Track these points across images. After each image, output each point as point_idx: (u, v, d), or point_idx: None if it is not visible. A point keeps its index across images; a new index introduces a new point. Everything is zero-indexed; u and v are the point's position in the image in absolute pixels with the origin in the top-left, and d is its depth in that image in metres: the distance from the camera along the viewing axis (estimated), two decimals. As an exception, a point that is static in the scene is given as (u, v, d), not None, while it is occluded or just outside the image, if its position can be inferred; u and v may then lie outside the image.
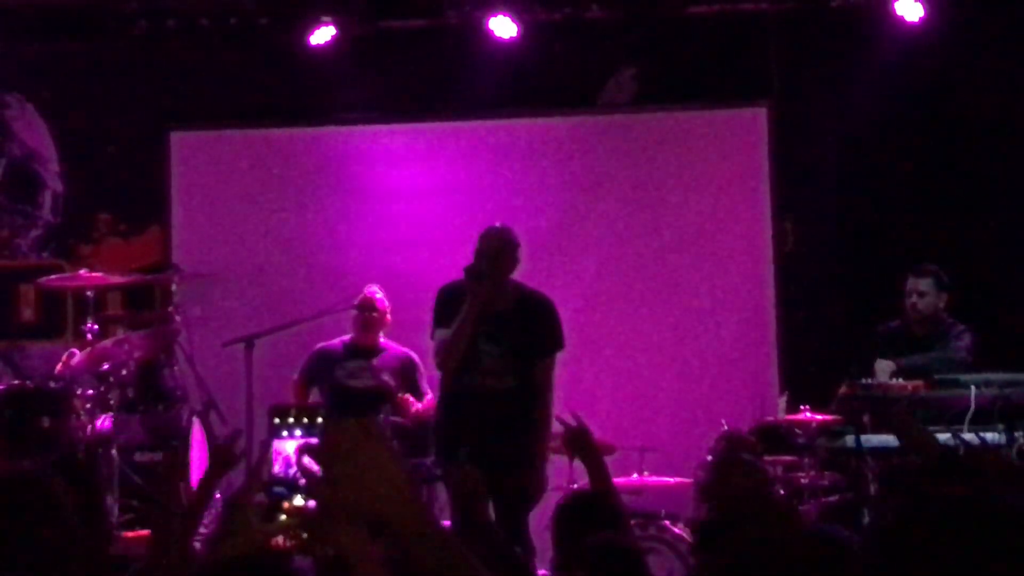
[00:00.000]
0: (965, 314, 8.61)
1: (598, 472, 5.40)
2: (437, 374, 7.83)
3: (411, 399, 8.54)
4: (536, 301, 7.58)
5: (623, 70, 10.45)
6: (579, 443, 5.45)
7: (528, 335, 7.43)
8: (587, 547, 4.38)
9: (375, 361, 8.69)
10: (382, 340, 8.80)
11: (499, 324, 7.38)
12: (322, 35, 10.17)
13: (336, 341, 8.82)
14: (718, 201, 10.20)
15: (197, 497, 4.61)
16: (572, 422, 5.57)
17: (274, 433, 2.16)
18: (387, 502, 2.08)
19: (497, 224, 7.61)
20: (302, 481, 2.17)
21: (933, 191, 10.01)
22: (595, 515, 4.88)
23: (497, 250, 7.36)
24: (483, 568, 2.11)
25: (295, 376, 8.80)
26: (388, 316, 8.77)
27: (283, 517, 2.21)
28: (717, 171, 10.22)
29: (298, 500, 2.19)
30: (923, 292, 8.48)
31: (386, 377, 8.62)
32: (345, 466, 2.08)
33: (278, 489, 2.20)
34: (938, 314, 8.50)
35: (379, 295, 8.76)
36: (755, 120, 10.28)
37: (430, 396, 8.51)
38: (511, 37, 10.08)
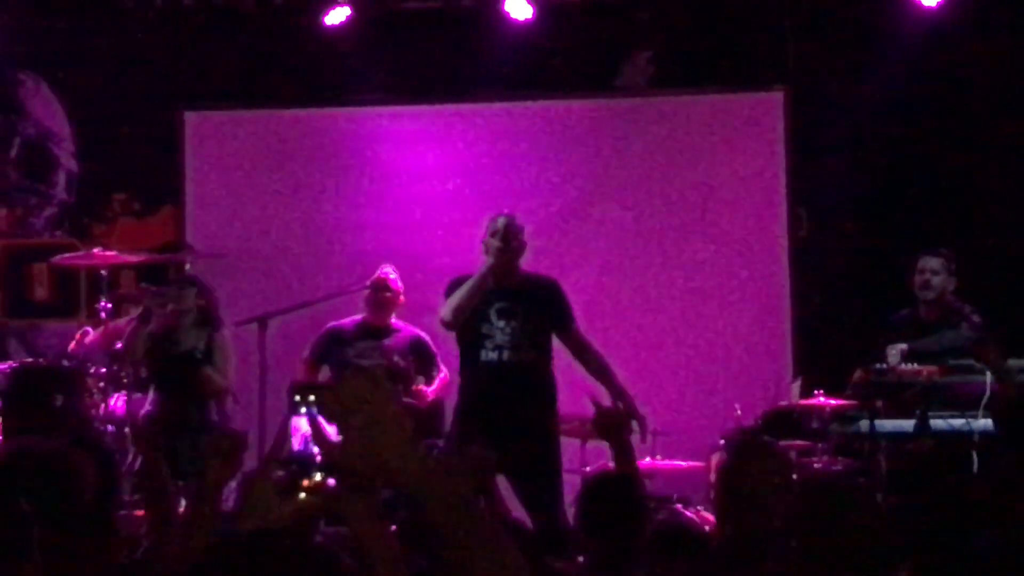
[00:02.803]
0: (980, 301, 8.58)
1: (625, 458, 5.39)
2: (450, 353, 8.00)
3: (424, 389, 8.51)
4: (544, 281, 7.86)
5: (639, 53, 10.42)
6: (612, 426, 5.43)
7: (540, 310, 7.66)
8: (652, 530, 4.41)
9: (386, 341, 8.67)
10: (394, 321, 8.78)
11: (510, 301, 7.60)
12: (337, 16, 10.15)
13: (348, 321, 8.79)
14: (733, 185, 10.18)
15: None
16: (608, 403, 5.56)
17: (293, 410, 2.16)
18: (396, 454, 2.08)
19: (504, 211, 7.83)
20: (319, 458, 2.16)
21: (949, 178, 9.98)
22: (619, 496, 4.89)
23: (514, 230, 7.62)
24: (493, 522, 2.10)
25: (305, 353, 8.77)
26: (401, 297, 8.74)
27: (302, 494, 2.20)
28: (733, 156, 10.19)
29: (317, 477, 2.18)
30: (936, 271, 8.45)
31: (397, 358, 8.59)
32: (355, 418, 2.07)
33: (298, 465, 2.19)
34: (946, 297, 8.46)
35: (392, 275, 8.74)
36: (771, 105, 10.25)
37: (444, 373, 8.52)
38: (526, 19, 10.06)
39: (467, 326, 7.66)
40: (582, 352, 7.74)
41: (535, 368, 7.62)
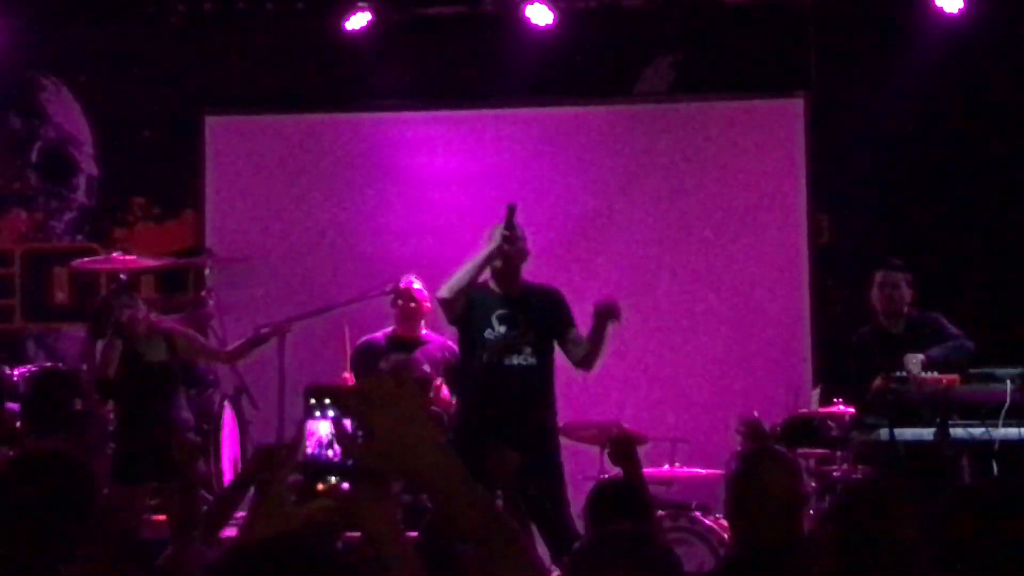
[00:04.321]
0: (1009, 307, 8.56)
1: (634, 480, 5.44)
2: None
3: (441, 384, 8.46)
4: (544, 289, 7.82)
5: (660, 59, 10.41)
6: (623, 451, 5.49)
7: (541, 317, 7.63)
8: (607, 533, 4.41)
9: (417, 353, 8.59)
10: (424, 332, 8.69)
11: (511, 308, 7.59)
12: (358, 21, 10.17)
13: (379, 334, 8.69)
14: (754, 192, 10.16)
15: (231, 491, 4.59)
16: (619, 432, 5.61)
17: (308, 413, 2.15)
18: (422, 455, 2.06)
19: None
20: (335, 459, 2.15)
21: (970, 184, 9.94)
22: (625, 503, 4.94)
23: (518, 231, 7.58)
24: (515, 523, 2.09)
25: (345, 375, 8.66)
26: (427, 304, 8.63)
27: (318, 498, 2.18)
28: (753, 162, 10.17)
29: (332, 480, 2.17)
30: (896, 284, 8.47)
31: (427, 368, 8.53)
32: (381, 418, 2.06)
33: (313, 469, 2.17)
34: (905, 308, 8.48)
35: (416, 284, 8.62)
36: (792, 111, 10.23)
37: None
38: (547, 24, 10.06)
39: (469, 331, 7.66)
40: (579, 344, 7.63)
41: (534, 374, 7.59)
